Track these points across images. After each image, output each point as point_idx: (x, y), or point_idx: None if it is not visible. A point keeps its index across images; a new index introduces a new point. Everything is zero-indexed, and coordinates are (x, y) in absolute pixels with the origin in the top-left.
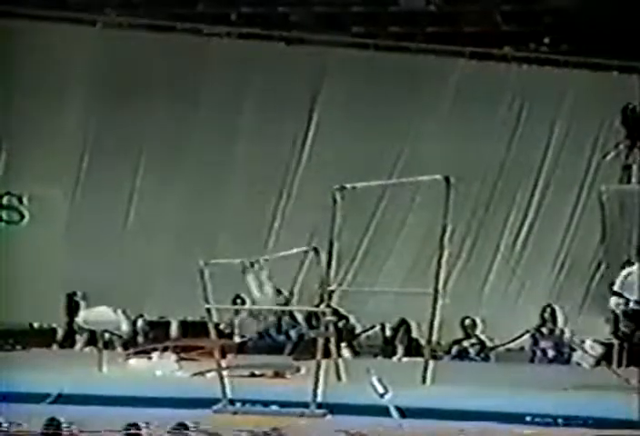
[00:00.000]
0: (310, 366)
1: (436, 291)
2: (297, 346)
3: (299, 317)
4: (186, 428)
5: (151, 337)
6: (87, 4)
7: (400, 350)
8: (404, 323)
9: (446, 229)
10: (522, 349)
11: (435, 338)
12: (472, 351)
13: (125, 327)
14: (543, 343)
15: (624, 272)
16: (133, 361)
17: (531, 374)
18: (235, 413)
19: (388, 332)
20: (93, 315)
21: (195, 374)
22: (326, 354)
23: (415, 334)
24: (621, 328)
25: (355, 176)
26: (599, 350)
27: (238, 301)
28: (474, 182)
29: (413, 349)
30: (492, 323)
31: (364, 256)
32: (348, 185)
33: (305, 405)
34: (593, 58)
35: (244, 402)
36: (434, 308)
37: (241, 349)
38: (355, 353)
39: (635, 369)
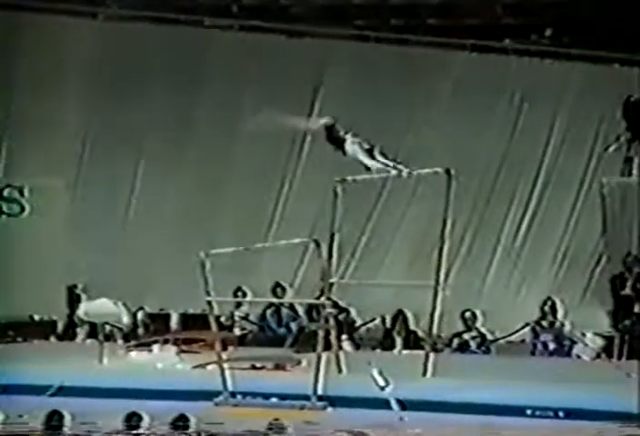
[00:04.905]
0: (311, 359)
1: (437, 283)
2: (298, 339)
3: (300, 310)
4: (187, 420)
5: (151, 329)
6: None
7: (398, 341)
8: (400, 314)
9: (447, 222)
10: (523, 341)
11: (435, 330)
12: (472, 344)
13: (125, 319)
14: (543, 336)
15: None
16: (133, 354)
17: (531, 367)
18: (235, 405)
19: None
20: (93, 307)
21: (196, 367)
22: (327, 347)
23: (413, 326)
24: None
25: (355, 169)
26: (599, 342)
27: (239, 293)
28: (474, 175)
29: (411, 341)
30: (492, 316)
31: (364, 249)
32: (349, 178)
33: (306, 398)
34: (594, 51)
35: (244, 395)
36: (434, 300)
37: (242, 341)
38: (356, 346)
39: (635, 362)
